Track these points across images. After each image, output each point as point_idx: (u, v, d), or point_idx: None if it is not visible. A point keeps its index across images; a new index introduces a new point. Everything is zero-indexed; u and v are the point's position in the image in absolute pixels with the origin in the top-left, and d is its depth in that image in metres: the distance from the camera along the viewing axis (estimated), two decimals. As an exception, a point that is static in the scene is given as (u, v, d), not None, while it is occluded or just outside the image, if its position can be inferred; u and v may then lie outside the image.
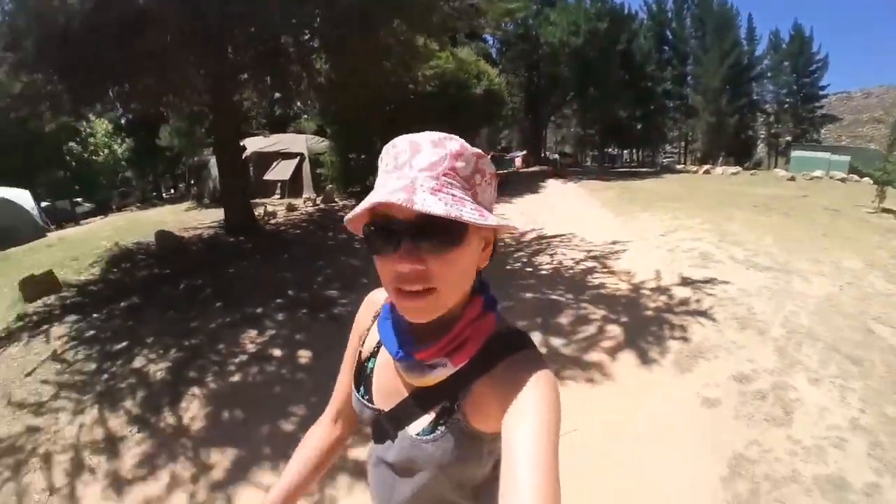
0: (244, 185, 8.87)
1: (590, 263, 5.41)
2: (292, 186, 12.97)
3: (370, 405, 0.76)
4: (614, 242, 6.25)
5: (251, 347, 3.82)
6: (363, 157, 12.08)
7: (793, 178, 14.22)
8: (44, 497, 2.72)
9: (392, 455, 0.72)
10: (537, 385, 0.59)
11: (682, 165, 24.40)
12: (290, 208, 10.26)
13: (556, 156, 28.54)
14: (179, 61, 6.59)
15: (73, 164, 25.93)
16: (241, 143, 9.34)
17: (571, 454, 2.29)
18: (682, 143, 37.06)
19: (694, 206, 8.64)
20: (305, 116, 17.99)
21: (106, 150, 28.71)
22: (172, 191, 29.30)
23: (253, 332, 4.01)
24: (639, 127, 30.93)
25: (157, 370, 3.75)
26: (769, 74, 33.74)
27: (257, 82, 8.76)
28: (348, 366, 0.85)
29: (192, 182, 18.89)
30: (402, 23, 6.86)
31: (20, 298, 5.65)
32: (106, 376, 3.82)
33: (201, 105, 9.05)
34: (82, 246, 8.33)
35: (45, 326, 4.84)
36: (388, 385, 0.74)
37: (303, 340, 3.80)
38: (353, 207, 0.58)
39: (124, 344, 4.30)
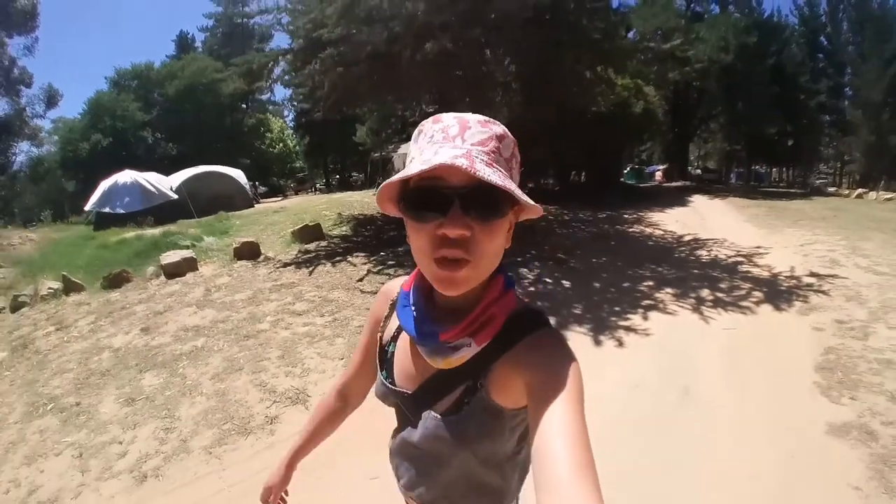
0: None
1: (738, 259, 7.34)
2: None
3: (393, 386, 0.81)
4: (758, 247, 8.03)
5: (530, 277, 6.40)
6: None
7: (953, 209, 13.95)
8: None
9: (418, 436, 0.77)
10: (560, 360, 0.63)
11: (836, 188, 23.47)
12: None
13: (699, 171, 28.64)
14: (420, 84, 9.53)
15: (253, 153, 31.39)
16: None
17: (736, 338, 4.53)
18: (838, 164, 34.49)
19: (836, 227, 9.76)
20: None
21: (280, 144, 34.20)
22: (335, 180, 33.87)
23: (525, 270, 6.60)
24: (789, 144, 29.05)
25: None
26: (942, 84, 28.97)
27: (468, 99, 11.64)
28: (360, 350, 0.96)
29: (372, 173, 22.74)
30: (605, 66, 9.21)
31: (292, 241, 8.08)
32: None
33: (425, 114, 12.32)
34: (306, 214, 10.74)
35: (338, 258, 7.07)
36: (409, 368, 0.80)
37: (560, 276, 6.42)
38: None
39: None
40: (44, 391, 3.85)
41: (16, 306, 6.20)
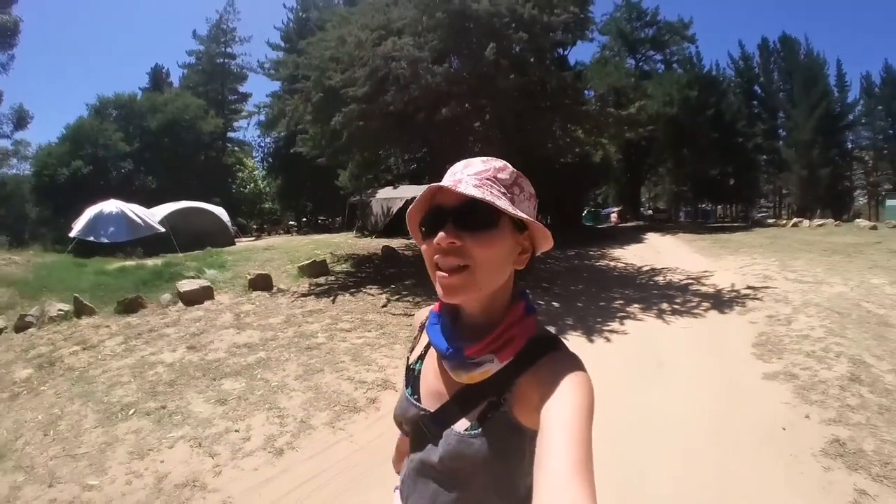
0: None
1: (689, 281, 8.70)
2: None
3: (418, 404, 0.83)
4: (705, 271, 9.47)
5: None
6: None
7: (874, 227, 15.50)
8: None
9: (437, 455, 0.76)
10: (574, 375, 0.67)
11: (774, 220, 25.72)
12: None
13: (651, 211, 30.91)
14: (418, 137, 10.86)
15: (226, 192, 30.59)
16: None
17: (692, 332, 5.70)
18: (777, 198, 37.41)
19: (771, 252, 11.31)
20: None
21: (251, 185, 34.24)
22: (303, 220, 33.82)
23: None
24: (731, 182, 31.70)
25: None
26: (863, 121, 32.79)
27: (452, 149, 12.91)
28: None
29: (350, 217, 21.90)
30: (574, 127, 10.83)
31: (300, 275, 8.38)
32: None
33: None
34: (296, 252, 11.08)
35: (352, 289, 7.52)
36: (434, 387, 0.82)
37: (550, 300, 7.54)
38: None
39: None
40: (110, 400, 3.96)
41: (22, 326, 6.05)
